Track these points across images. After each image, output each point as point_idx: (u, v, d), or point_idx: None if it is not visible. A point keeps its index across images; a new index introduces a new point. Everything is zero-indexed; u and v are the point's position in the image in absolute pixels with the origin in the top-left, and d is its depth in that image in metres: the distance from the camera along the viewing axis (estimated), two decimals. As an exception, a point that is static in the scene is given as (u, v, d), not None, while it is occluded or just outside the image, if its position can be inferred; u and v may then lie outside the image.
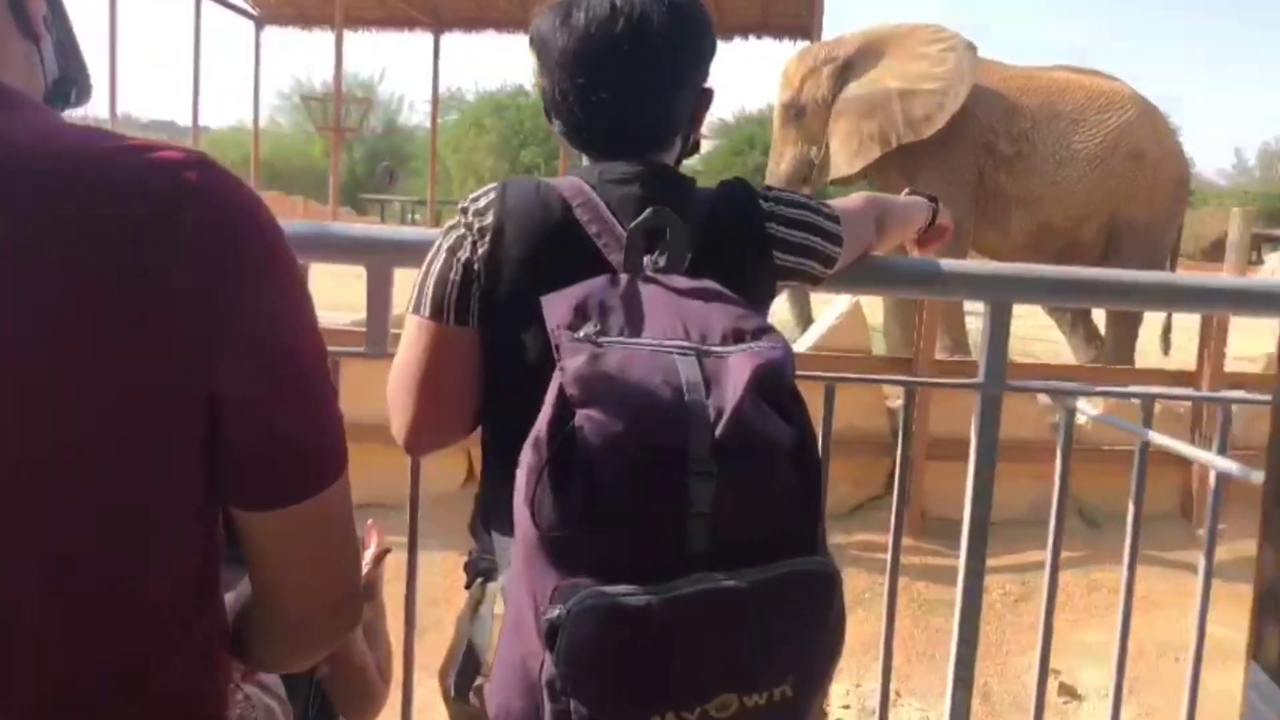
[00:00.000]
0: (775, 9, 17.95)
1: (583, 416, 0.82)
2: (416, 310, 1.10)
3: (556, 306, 0.92)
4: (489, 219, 1.08)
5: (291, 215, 26.23)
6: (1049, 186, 6.52)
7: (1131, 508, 1.69)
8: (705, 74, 1.18)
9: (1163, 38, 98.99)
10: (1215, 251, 16.98)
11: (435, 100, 22.55)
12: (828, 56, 6.73)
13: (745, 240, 1.14)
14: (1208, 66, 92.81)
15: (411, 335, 1.11)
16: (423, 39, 21.05)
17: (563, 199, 1.08)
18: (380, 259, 1.45)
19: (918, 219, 1.52)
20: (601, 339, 0.88)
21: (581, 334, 0.89)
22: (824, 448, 1.43)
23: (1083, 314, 7.27)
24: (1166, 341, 6.75)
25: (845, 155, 6.62)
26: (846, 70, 6.66)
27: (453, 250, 1.09)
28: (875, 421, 5.32)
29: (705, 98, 1.20)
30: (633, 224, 1.00)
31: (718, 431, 0.83)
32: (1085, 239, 6.66)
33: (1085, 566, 5.05)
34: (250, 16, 20.48)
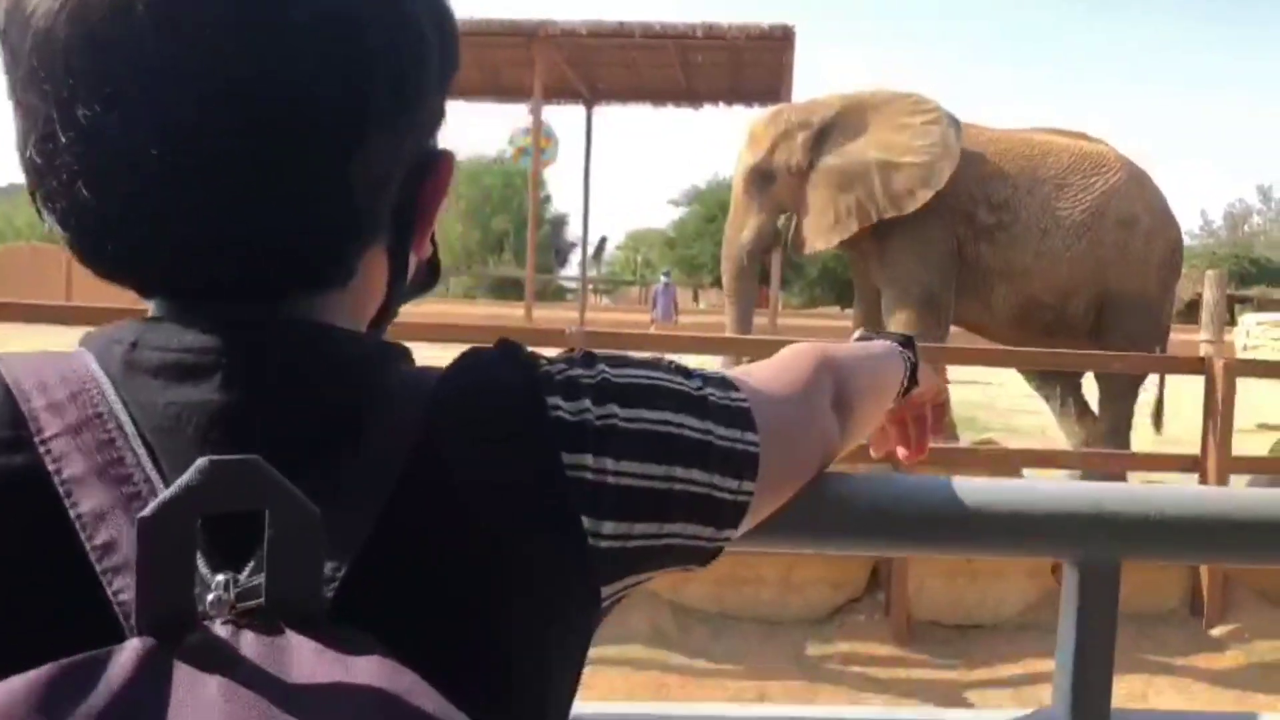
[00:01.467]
0: (745, 75, 17.95)
1: None
2: None
3: None
4: None
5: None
6: (1033, 258, 6.11)
7: None
8: (429, 116, 0.56)
9: (1124, 100, 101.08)
10: (1189, 313, 16.82)
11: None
12: (803, 121, 6.32)
13: (512, 518, 0.50)
14: (1171, 128, 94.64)
15: None
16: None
17: (14, 415, 0.46)
18: None
19: (892, 385, 0.84)
20: None
21: None
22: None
23: (1073, 388, 6.85)
24: (1159, 421, 6.34)
25: (820, 228, 6.22)
26: (823, 137, 6.26)
27: None
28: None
29: (432, 168, 0.57)
30: (157, 503, 0.39)
31: None
32: (1074, 313, 6.25)
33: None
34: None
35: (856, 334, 0.89)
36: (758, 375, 0.66)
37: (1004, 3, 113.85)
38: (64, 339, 0.67)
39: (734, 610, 4.72)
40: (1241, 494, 0.88)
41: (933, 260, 6.06)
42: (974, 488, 0.83)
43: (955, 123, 6.17)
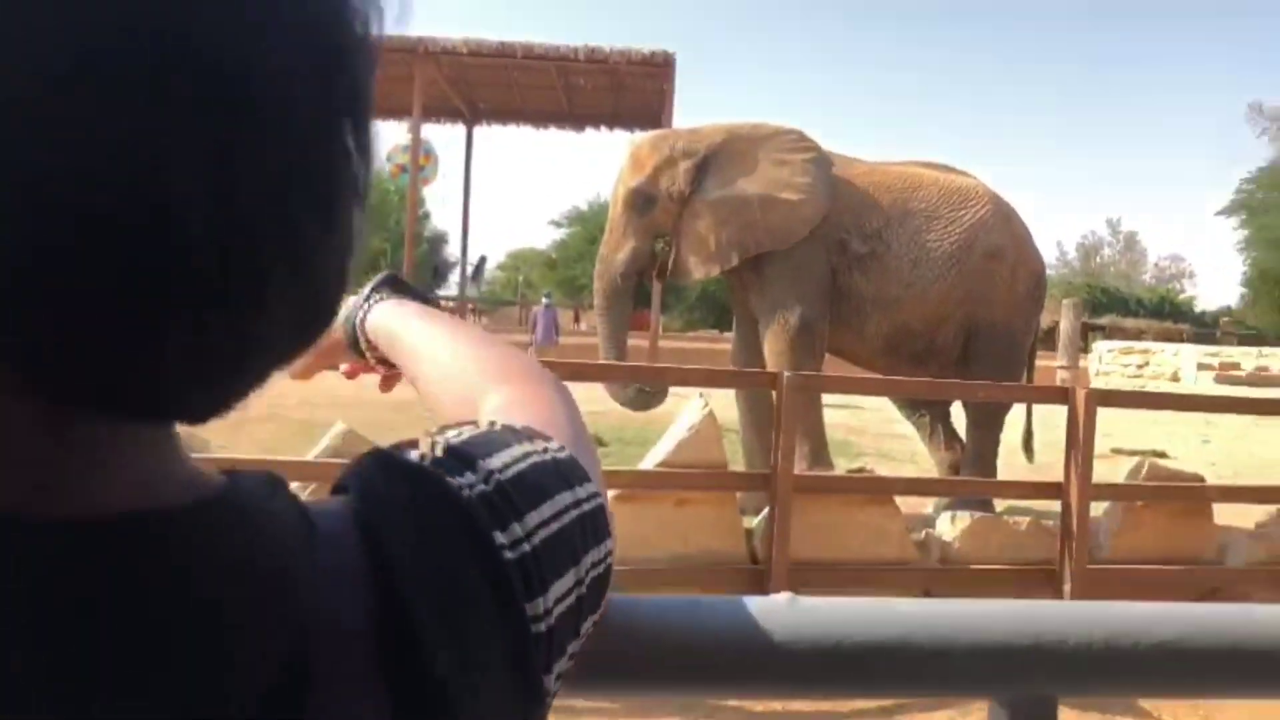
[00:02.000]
0: (626, 100, 18.08)
1: None
2: None
3: None
4: None
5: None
6: (904, 288, 6.26)
7: None
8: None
9: (978, 132, 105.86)
10: (1046, 341, 17.62)
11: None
12: (686, 150, 6.33)
13: (498, 711, 0.44)
14: (1025, 160, 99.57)
15: None
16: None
17: None
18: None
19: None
20: None
21: None
22: None
23: (942, 416, 7.03)
24: (1029, 449, 6.54)
25: (699, 259, 6.27)
26: (705, 167, 6.29)
27: None
28: (730, 544, 4.82)
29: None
30: None
31: None
32: (942, 341, 6.43)
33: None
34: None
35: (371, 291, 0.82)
36: (536, 412, 0.62)
37: (869, 34, 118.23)
38: None
39: None
40: (1193, 612, 0.77)
41: (808, 289, 6.15)
42: (874, 614, 0.69)
43: (829, 161, 6.33)
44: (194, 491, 0.38)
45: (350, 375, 0.85)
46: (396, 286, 0.82)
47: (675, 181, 6.26)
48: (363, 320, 0.79)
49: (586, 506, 0.53)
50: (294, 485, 0.44)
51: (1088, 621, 0.72)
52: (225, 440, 6.98)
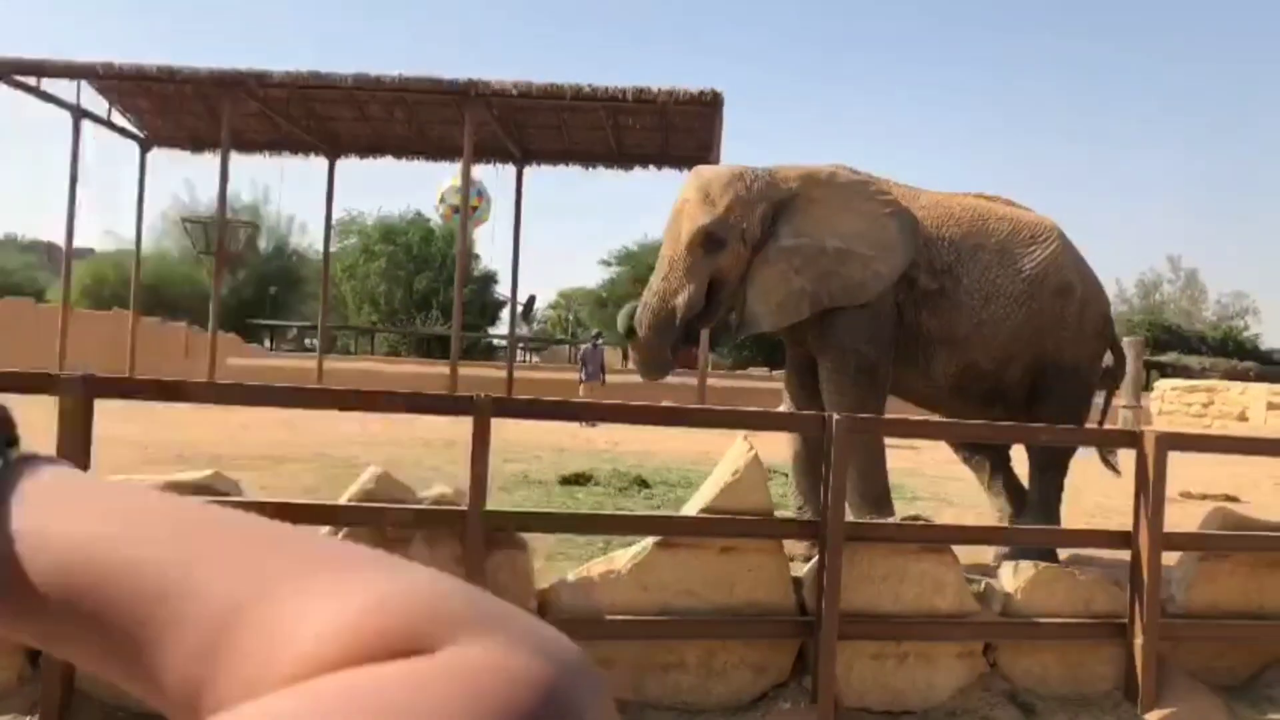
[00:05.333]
0: (675, 139, 18.05)
1: None
2: None
3: None
4: None
5: (174, 341, 25.30)
6: (974, 326, 5.95)
7: None
8: None
9: (1036, 169, 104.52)
10: (1104, 380, 17.10)
11: (328, 224, 22.01)
12: (763, 193, 5.89)
13: None
14: (1084, 197, 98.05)
15: None
16: (318, 162, 20.63)
17: None
18: None
19: None
20: None
21: None
22: None
23: (1002, 460, 6.72)
24: (1108, 462, 6.13)
25: (767, 308, 5.86)
26: (781, 212, 5.91)
27: None
28: (778, 594, 4.60)
29: None
30: None
31: None
32: (1010, 381, 6.12)
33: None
34: (136, 139, 19.80)
35: None
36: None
37: (918, 68, 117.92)
38: None
39: (654, 698, 4.42)
40: None
41: (873, 327, 5.85)
42: None
43: (913, 217, 5.99)
44: None
45: None
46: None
47: (750, 223, 5.84)
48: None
49: None
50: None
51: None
52: (266, 481, 6.93)
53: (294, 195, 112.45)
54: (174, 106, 18.35)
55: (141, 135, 19.87)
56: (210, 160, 19.61)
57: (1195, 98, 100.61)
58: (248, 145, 19.82)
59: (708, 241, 5.82)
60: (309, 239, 36.95)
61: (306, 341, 30.11)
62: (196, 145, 20.02)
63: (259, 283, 34.96)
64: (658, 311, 5.89)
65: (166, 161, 25.46)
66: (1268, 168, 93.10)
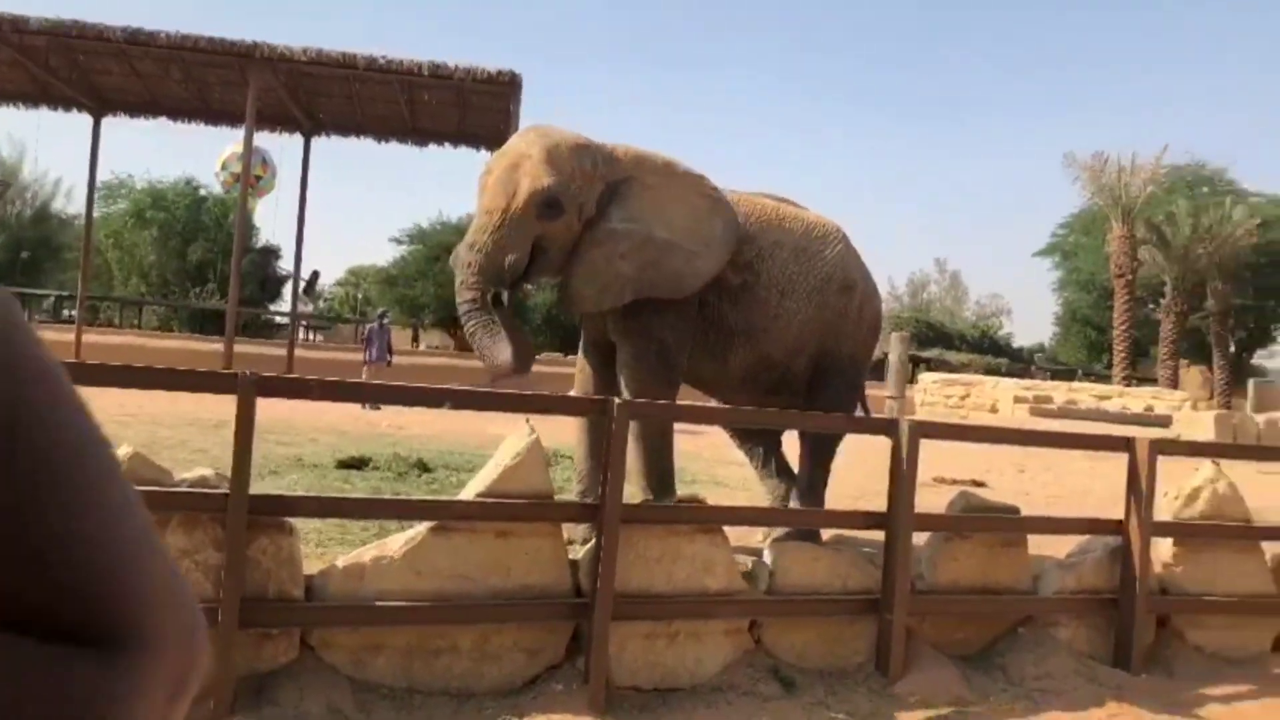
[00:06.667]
0: (472, 118, 17.76)
1: None
2: None
3: None
4: None
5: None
6: (771, 319, 6.20)
7: None
8: None
9: (817, 164, 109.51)
10: (875, 371, 18.27)
11: (91, 186, 20.36)
12: (604, 171, 5.81)
13: None
14: (859, 196, 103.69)
15: None
16: (82, 120, 19.01)
17: None
18: None
19: None
20: None
21: None
22: None
23: (774, 445, 7.07)
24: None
25: (593, 290, 5.79)
26: (614, 191, 5.85)
27: None
28: (554, 577, 4.62)
29: None
30: None
31: None
32: (796, 371, 6.43)
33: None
34: None
35: None
36: None
37: (706, 58, 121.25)
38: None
39: (424, 684, 4.35)
40: None
41: (673, 318, 5.95)
42: None
43: (735, 218, 6.08)
44: None
45: None
46: None
47: (588, 197, 5.75)
48: None
49: None
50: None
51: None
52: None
53: (61, 155, 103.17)
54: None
55: None
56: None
57: (976, 106, 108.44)
58: (3, 95, 18.06)
59: (547, 204, 5.62)
60: (75, 203, 34.06)
61: (65, 313, 27.67)
62: (-64, 91, 18.03)
63: (12, 246, 31.98)
64: (485, 269, 5.63)
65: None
66: (1023, 178, 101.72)
